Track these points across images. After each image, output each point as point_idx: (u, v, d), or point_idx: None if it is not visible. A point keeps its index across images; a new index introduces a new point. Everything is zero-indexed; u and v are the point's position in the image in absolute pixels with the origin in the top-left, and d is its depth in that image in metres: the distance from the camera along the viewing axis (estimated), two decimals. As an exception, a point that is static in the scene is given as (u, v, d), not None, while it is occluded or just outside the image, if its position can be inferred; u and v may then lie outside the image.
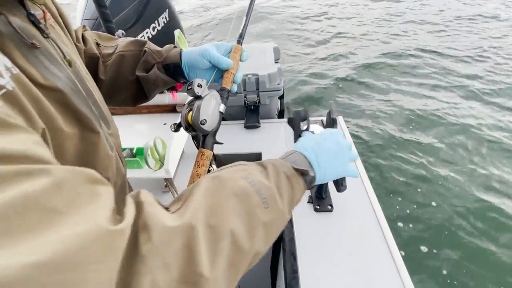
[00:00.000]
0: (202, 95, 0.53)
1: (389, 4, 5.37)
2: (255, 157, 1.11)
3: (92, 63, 0.58)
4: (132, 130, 0.97)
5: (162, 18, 1.83)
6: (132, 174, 0.83)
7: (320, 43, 4.18)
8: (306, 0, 5.91)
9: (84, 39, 0.57)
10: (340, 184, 0.59)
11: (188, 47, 1.22)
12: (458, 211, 1.84)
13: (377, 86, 3.16)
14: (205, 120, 0.52)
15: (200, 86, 0.53)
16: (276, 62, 1.35)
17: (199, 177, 0.52)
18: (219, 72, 0.60)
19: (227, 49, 0.60)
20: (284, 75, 1.32)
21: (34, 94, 0.30)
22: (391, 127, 2.60)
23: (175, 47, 0.62)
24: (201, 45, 0.59)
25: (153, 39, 1.83)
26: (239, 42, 0.61)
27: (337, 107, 2.91)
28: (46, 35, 0.35)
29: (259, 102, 1.24)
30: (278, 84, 1.22)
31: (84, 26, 0.60)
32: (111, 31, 1.02)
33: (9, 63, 0.28)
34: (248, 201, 0.34)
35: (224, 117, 0.58)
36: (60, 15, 0.47)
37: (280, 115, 1.49)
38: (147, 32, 1.78)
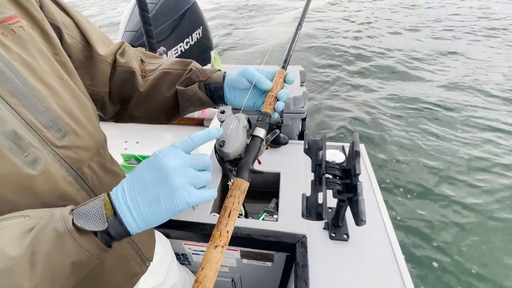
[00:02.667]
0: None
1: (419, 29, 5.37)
2: (273, 176, 1.13)
3: (128, 76, 0.60)
4: (160, 139, 1.01)
5: (196, 34, 1.94)
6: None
7: (343, 62, 4.21)
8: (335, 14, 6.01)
9: (124, 53, 0.61)
10: (360, 219, 0.59)
11: (221, 65, 1.29)
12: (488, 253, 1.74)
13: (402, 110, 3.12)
14: (223, 142, 0.47)
15: (223, 112, 0.52)
16: (301, 85, 1.39)
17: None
18: (261, 97, 0.59)
19: (270, 73, 0.59)
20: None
21: None
22: (413, 153, 2.54)
23: (219, 70, 0.63)
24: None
25: (186, 52, 1.95)
26: (284, 67, 0.60)
27: (355, 126, 2.89)
28: None
29: (281, 122, 1.27)
30: (302, 107, 1.25)
31: (123, 42, 0.63)
32: (152, 46, 1.10)
33: None
34: None
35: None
36: (79, 26, 0.52)
37: (301, 136, 1.51)
38: (180, 46, 1.90)
